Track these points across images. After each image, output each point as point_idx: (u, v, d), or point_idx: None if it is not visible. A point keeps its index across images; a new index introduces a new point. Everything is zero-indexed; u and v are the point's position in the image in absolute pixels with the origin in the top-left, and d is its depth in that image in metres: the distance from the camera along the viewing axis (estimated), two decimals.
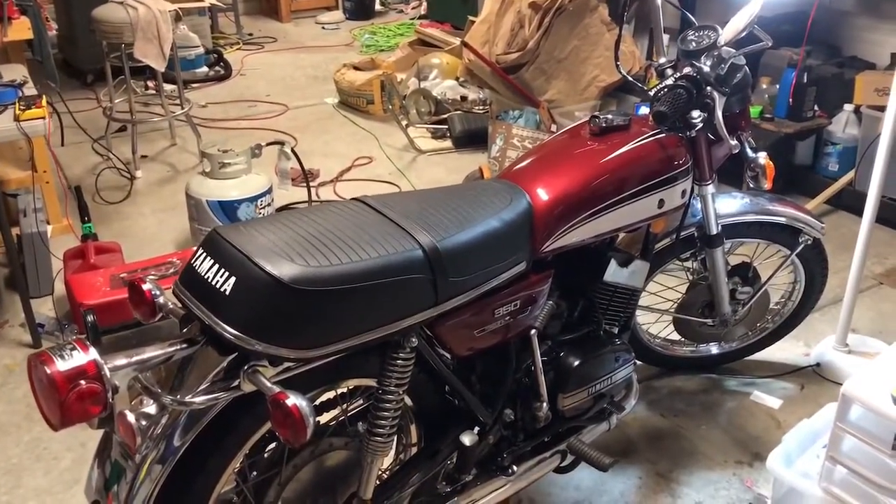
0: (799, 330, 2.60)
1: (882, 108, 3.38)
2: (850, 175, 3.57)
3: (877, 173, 2.38)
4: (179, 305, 1.38)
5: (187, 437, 1.33)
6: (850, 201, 3.54)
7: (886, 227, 3.39)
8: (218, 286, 1.29)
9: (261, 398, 1.27)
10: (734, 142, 1.93)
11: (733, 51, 1.83)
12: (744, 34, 1.76)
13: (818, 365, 2.61)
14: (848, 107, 3.58)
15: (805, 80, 3.56)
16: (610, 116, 1.84)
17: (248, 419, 1.41)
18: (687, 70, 1.83)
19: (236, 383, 1.29)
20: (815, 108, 3.65)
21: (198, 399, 1.27)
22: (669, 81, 1.81)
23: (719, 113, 1.82)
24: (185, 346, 1.32)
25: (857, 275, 2.50)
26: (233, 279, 1.28)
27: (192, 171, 4.02)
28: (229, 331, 1.27)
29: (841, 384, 1.81)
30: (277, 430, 1.23)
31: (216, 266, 1.31)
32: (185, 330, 1.37)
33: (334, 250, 1.34)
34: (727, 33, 1.78)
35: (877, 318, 2.86)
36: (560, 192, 1.68)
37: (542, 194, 1.68)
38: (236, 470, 1.52)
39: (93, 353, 1.19)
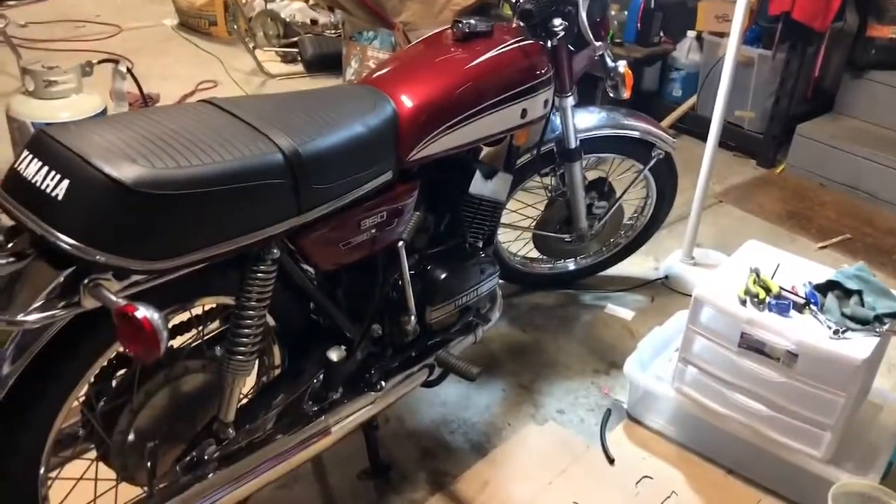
0: (648, 246, 2.70)
1: (722, 35, 3.55)
2: (693, 100, 3.72)
3: (721, 98, 2.46)
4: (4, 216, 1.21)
5: (20, 363, 1.18)
6: (693, 125, 3.70)
7: (724, 150, 3.58)
8: (49, 191, 1.14)
9: (105, 317, 1.15)
10: (598, 43, 1.92)
11: None
12: None
13: (667, 277, 2.73)
14: (691, 33, 3.71)
15: (652, 7, 3.65)
16: (473, 22, 1.78)
17: (91, 341, 1.28)
18: None
19: (76, 299, 1.16)
20: (661, 34, 3.76)
21: (31, 317, 1.12)
22: None
23: (583, 14, 1.81)
24: (12, 259, 1.16)
25: (702, 193, 2.61)
26: (66, 182, 1.13)
27: (13, 95, 3.62)
28: (65, 240, 1.12)
29: (688, 294, 1.89)
30: (127, 347, 1.12)
31: (45, 168, 1.15)
32: (11, 244, 1.21)
33: (183, 152, 1.22)
34: None
35: (718, 233, 3.03)
36: (426, 99, 1.62)
37: (408, 101, 1.60)
38: (81, 400, 1.39)
39: None
